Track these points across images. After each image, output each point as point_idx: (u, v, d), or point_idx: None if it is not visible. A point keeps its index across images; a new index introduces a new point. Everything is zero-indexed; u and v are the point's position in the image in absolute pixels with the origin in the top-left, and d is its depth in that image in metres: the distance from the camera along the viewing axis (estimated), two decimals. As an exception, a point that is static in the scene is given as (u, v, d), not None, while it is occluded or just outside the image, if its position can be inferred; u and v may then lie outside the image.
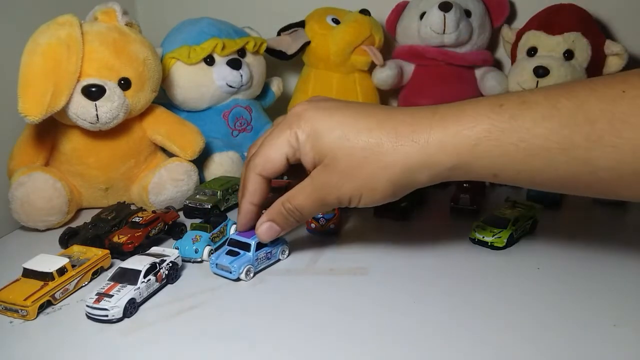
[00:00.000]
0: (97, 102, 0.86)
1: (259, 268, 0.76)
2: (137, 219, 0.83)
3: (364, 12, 1.22)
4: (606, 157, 0.49)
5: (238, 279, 0.73)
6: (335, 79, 1.25)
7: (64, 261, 0.70)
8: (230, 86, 1.09)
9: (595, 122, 0.49)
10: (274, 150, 0.62)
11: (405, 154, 0.55)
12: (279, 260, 0.79)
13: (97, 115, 0.86)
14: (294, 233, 0.84)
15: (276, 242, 0.77)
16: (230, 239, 0.76)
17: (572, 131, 0.49)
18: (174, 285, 0.73)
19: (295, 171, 0.67)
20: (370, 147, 0.56)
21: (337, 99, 0.66)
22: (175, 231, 0.87)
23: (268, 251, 0.76)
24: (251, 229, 0.73)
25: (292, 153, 0.61)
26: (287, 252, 0.79)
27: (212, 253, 0.79)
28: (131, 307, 0.65)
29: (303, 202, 0.62)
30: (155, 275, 0.70)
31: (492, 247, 0.79)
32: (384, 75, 1.22)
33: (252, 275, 0.74)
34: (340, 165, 0.57)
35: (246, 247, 0.74)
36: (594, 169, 0.50)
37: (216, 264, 0.74)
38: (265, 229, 0.68)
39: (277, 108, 1.28)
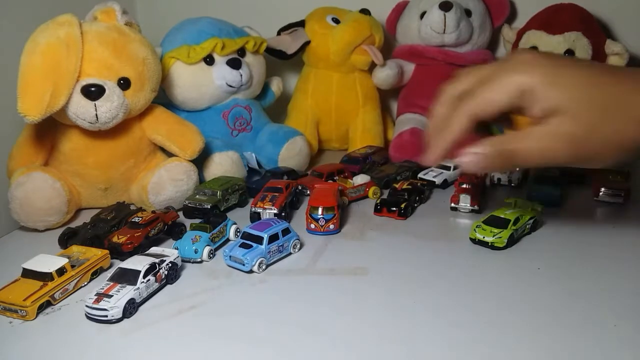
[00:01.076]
0: (96, 102, 0.86)
1: (271, 261, 0.77)
2: (136, 219, 0.83)
3: (364, 11, 1.22)
4: None
5: (251, 271, 0.74)
6: (335, 79, 1.25)
7: (63, 261, 0.70)
8: (230, 86, 1.09)
9: None
10: (498, 94, 0.56)
11: None
12: (290, 253, 0.80)
13: (96, 115, 0.86)
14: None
15: (288, 235, 0.79)
16: (244, 232, 0.78)
17: None
18: (174, 285, 0.73)
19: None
20: (615, 101, 0.54)
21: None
22: (174, 231, 0.87)
23: (280, 244, 0.77)
24: (439, 161, 0.64)
25: (518, 98, 0.55)
26: (298, 246, 0.81)
27: (211, 253, 0.79)
28: (131, 307, 0.65)
29: (529, 146, 0.56)
30: (154, 275, 0.70)
31: (493, 247, 0.79)
32: (384, 74, 1.22)
33: (264, 267, 0.75)
34: (585, 119, 0.54)
35: (259, 240, 0.76)
36: None
37: (229, 256, 0.76)
38: (470, 159, 0.58)
39: (277, 108, 1.28)
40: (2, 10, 0.96)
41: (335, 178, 1.03)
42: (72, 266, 0.72)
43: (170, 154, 0.99)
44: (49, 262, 0.70)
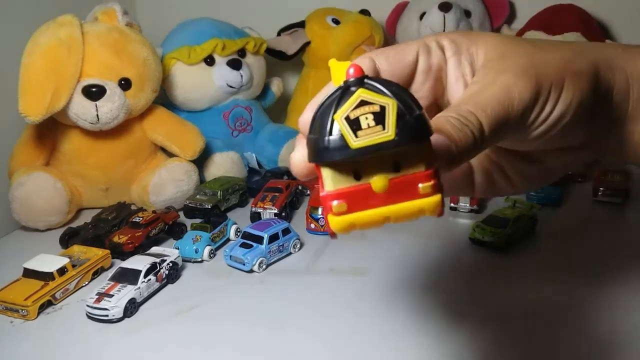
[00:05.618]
0: (97, 103, 0.86)
1: (272, 260, 0.77)
2: (137, 219, 0.83)
3: (364, 12, 1.22)
4: None
5: (251, 271, 0.75)
6: (335, 79, 1.25)
7: (64, 261, 0.70)
8: (230, 86, 1.09)
9: None
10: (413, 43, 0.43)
11: None
12: (290, 253, 0.80)
13: (97, 115, 0.87)
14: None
15: (289, 235, 0.79)
16: (244, 231, 0.79)
17: None
18: (174, 285, 0.73)
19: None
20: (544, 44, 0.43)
21: None
22: (175, 231, 0.87)
23: (280, 244, 0.78)
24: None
25: (438, 50, 0.42)
26: (298, 245, 0.81)
27: (212, 253, 0.80)
28: (131, 307, 0.66)
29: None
30: (155, 275, 0.70)
31: (492, 247, 0.79)
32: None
33: (264, 267, 0.76)
34: (522, 50, 0.41)
35: (259, 240, 0.76)
36: None
37: (230, 256, 0.76)
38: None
39: (277, 108, 1.28)
40: (3, 11, 0.96)
41: (335, 178, 1.03)
42: (73, 266, 0.72)
43: (170, 154, 1.00)
44: (50, 261, 0.70)
